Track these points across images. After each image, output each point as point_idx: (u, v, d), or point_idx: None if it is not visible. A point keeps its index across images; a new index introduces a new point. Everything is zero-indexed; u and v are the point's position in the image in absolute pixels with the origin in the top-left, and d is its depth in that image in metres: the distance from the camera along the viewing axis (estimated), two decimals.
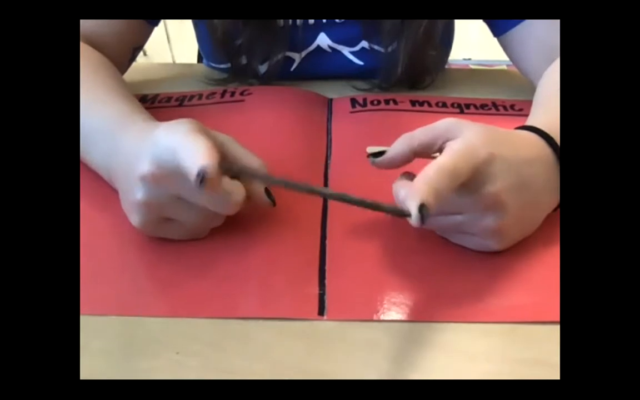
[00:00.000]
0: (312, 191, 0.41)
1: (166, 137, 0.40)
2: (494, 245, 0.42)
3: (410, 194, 0.36)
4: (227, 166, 0.38)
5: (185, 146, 0.38)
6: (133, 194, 0.41)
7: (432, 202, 0.36)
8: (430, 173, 0.37)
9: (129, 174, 0.42)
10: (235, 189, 0.41)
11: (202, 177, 0.36)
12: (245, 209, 0.43)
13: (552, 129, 0.44)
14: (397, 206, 0.38)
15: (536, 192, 0.42)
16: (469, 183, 0.39)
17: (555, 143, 0.43)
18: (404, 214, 0.37)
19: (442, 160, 0.38)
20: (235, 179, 0.43)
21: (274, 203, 0.45)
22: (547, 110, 0.51)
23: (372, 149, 0.56)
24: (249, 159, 0.44)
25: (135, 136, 0.44)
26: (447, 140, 0.42)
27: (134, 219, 0.42)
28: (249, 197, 0.43)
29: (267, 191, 0.44)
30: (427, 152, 0.43)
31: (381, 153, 0.44)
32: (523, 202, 0.41)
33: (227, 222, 0.45)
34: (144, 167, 0.40)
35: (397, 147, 0.44)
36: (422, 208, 0.36)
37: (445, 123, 0.42)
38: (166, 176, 0.40)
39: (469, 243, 0.43)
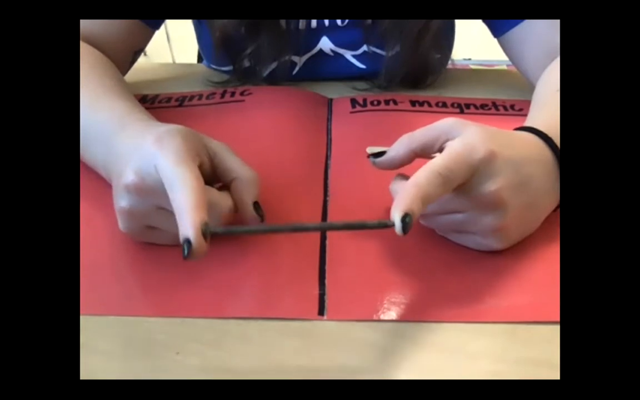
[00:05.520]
0: (296, 229, 0.41)
1: (155, 156, 0.39)
2: (494, 244, 0.42)
3: (395, 204, 0.37)
4: (212, 230, 0.37)
5: (174, 186, 0.37)
6: (118, 201, 0.42)
7: (416, 209, 0.37)
8: (419, 179, 0.38)
9: (117, 179, 0.42)
10: (221, 202, 0.41)
11: (188, 248, 0.35)
12: (233, 218, 0.43)
13: (550, 130, 0.44)
14: (381, 220, 0.38)
15: (536, 192, 0.42)
16: (469, 181, 0.40)
17: (554, 144, 0.43)
18: (388, 225, 0.37)
19: (436, 163, 0.38)
20: (224, 189, 0.43)
21: (262, 218, 0.43)
22: (545, 110, 0.51)
23: (372, 149, 0.56)
24: (242, 170, 0.44)
25: (129, 138, 0.44)
26: (447, 140, 0.42)
27: (120, 224, 0.43)
28: (236, 209, 0.43)
29: (256, 206, 0.43)
30: (428, 152, 0.43)
31: (382, 153, 0.44)
32: (523, 201, 0.41)
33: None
34: (129, 176, 0.40)
35: (397, 148, 0.44)
36: (405, 217, 0.36)
37: (445, 123, 0.42)
38: (149, 188, 0.40)
39: (469, 242, 0.43)
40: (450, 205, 0.41)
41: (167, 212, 0.41)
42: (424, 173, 0.38)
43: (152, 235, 0.43)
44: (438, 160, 0.39)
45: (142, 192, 0.40)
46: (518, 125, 0.46)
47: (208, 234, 0.36)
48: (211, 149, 0.44)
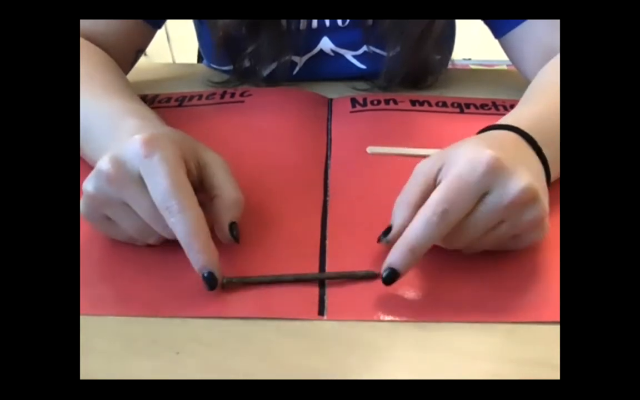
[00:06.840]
0: (298, 280, 0.42)
1: (138, 157, 0.39)
2: (540, 236, 0.42)
3: (390, 254, 0.39)
4: (228, 280, 0.40)
5: (172, 211, 0.38)
6: (86, 183, 0.41)
7: (406, 263, 0.39)
8: (408, 232, 0.39)
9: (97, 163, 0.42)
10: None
11: (214, 282, 0.39)
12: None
13: (519, 121, 0.45)
14: (369, 271, 0.41)
15: (541, 180, 0.43)
16: (494, 190, 0.39)
17: (528, 135, 0.44)
18: (375, 276, 0.40)
19: (431, 204, 0.38)
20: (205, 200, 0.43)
21: (237, 240, 0.43)
22: (522, 107, 0.52)
23: (372, 149, 0.56)
24: (226, 189, 0.43)
25: (125, 133, 0.44)
26: (440, 169, 0.42)
27: (81, 207, 0.42)
28: (212, 227, 0.42)
29: (232, 227, 0.43)
30: (428, 196, 0.41)
31: (388, 231, 0.43)
32: (540, 185, 0.41)
33: None
34: (104, 164, 0.40)
35: (402, 214, 0.42)
36: (389, 272, 0.39)
37: (429, 164, 0.43)
38: (120, 180, 0.40)
39: (516, 246, 0.42)
40: (491, 221, 0.40)
41: (129, 208, 0.41)
42: (413, 226, 0.39)
43: (108, 227, 0.43)
44: (435, 195, 0.39)
45: (113, 182, 0.40)
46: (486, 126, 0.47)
47: (226, 284, 0.40)
48: (203, 159, 0.43)
